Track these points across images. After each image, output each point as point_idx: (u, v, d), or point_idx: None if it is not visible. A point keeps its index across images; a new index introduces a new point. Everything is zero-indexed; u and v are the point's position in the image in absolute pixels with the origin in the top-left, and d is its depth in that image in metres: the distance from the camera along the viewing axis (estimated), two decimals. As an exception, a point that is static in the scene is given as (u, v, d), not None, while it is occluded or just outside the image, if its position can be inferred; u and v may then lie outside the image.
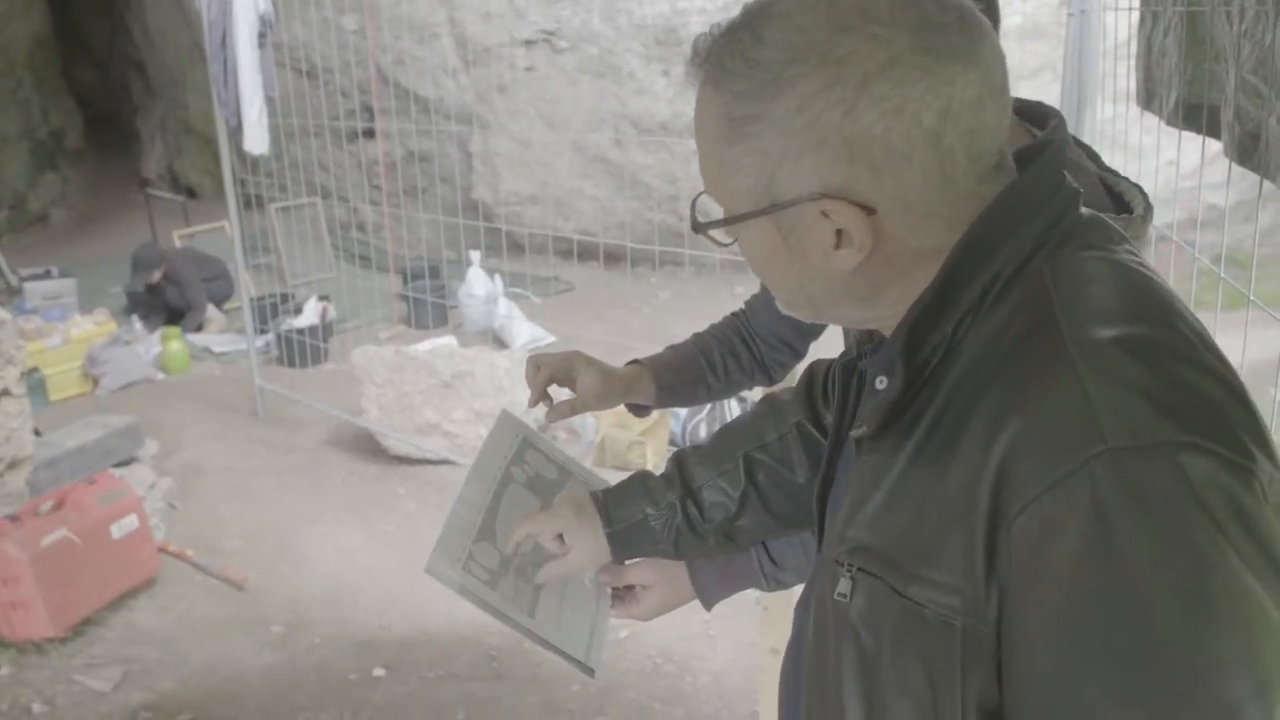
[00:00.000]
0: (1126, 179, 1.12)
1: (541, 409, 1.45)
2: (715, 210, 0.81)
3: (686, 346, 1.57)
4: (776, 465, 1.17)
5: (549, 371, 1.39)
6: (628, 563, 1.31)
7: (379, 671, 3.10)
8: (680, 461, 1.21)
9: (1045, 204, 0.76)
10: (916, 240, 0.75)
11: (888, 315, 0.80)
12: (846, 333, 1.45)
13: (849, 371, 0.94)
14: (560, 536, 1.18)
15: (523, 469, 1.29)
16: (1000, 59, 0.73)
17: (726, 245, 0.83)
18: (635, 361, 1.52)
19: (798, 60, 0.70)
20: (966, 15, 0.72)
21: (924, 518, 0.73)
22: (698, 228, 0.82)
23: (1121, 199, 1.10)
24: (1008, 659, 0.69)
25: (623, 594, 1.31)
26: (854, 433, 0.83)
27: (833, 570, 0.81)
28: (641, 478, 1.21)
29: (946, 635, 0.71)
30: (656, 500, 1.17)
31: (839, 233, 0.74)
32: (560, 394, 1.46)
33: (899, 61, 0.69)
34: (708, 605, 1.33)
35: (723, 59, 0.74)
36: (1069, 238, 0.76)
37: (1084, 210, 0.80)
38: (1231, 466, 0.63)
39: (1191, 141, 1.79)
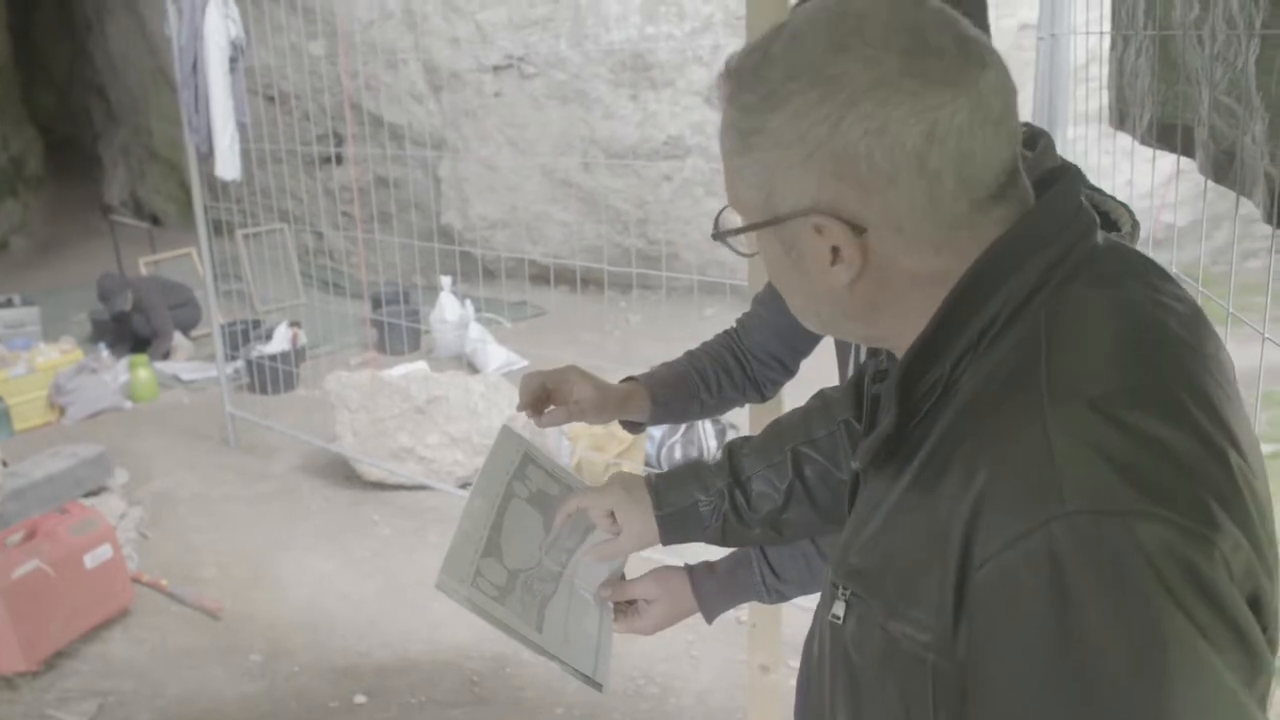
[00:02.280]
0: (1113, 197, 1.15)
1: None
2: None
3: (680, 364, 1.58)
4: (823, 461, 1.19)
5: (541, 379, 1.40)
6: (630, 578, 1.32)
7: (360, 699, 3.07)
8: (731, 451, 1.23)
9: (1055, 237, 0.75)
10: (908, 262, 0.76)
11: (889, 336, 0.81)
12: (840, 352, 1.48)
13: (860, 392, 0.96)
14: (611, 514, 1.21)
15: (525, 485, 1.30)
16: (1001, 90, 0.74)
17: (748, 255, 0.86)
18: (630, 378, 1.53)
19: (794, 77, 0.73)
20: (968, 45, 0.73)
21: (908, 551, 0.75)
22: (717, 236, 0.85)
23: (1108, 217, 1.13)
24: (969, 704, 0.70)
25: (625, 608, 1.32)
26: (853, 464, 0.86)
27: (830, 591, 0.84)
28: (694, 465, 1.23)
29: (919, 669, 0.73)
30: (707, 486, 1.20)
31: (835, 249, 0.75)
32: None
33: (884, 83, 0.70)
34: (710, 618, 1.34)
35: (739, 73, 0.77)
36: (1079, 270, 0.76)
37: (1102, 237, 0.80)
38: (1189, 535, 0.64)
39: (1146, 163, 1.84)
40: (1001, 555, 0.66)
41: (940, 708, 0.73)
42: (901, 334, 0.79)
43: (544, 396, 1.42)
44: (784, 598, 1.36)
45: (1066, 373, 0.70)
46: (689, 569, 1.35)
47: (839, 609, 0.82)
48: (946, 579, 0.70)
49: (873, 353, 0.95)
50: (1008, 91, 0.74)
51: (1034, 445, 0.67)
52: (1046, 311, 0.73)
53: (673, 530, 1.20)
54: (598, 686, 1.21)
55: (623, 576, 1.33)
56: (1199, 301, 0.81)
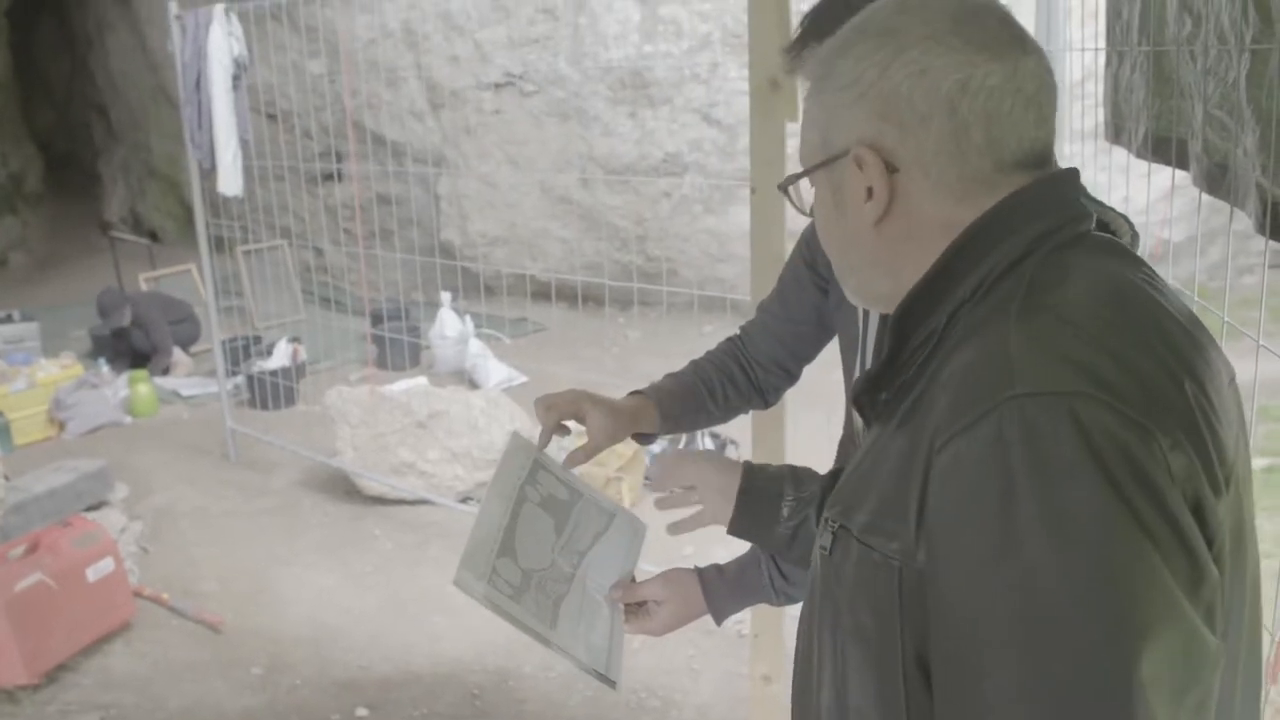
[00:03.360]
0: (1113, 209, 1.18)
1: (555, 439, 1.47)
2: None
3: (686, 375, 1.60)
4: None
5: (558, 415, 1.39)
6: (639, 580, 1.34)
7: (362, 712, 3.07)
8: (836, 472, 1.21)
9: (1051, 210, 0.81)
10: (930, 208, 0.82)
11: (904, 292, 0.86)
12: (846, 361, 1.50)
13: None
14: (692, 487, 1.20)
15: (536, 489, 1.32)
16: (1038, 76, 0.81)
17: (806, 213, 0.93)
18: (637, 392, 1.54)
19: (863, 30, 0.84)
20: (1014, 30, 0.82)
21: (888, 473, 0.80)
22: (782, 186, 0.95)
23: (1108, 228, 1.15)
24: (929, 598, 0.74)
25: (635, 610, 1.34)
26: (849, 402, 0.90)
27: (823, 526, 0.88)
28: (793, 468, 1.21)
29: (889, 577, 0.77)
30: (800, 484, 1.17)
31: (869, 188, 0.83)
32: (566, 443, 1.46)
33: (933, 37, 0.80)
34: (719, 619, 1.36)
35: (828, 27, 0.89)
36: (1072, 245, 0.81)
37: (1100, 232, 0.85)
38: (1127, 421, 0.67)
39: (1142, 180, 1.87)
40: (955, 442, 0.71)
41: (906, 615, 0.76)
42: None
43: (559, 427, 1.42)
44: (792, 600, 1.37)
45: (1041, 300, 0.75)
46: (698, 570, 1.37)
47: (825, 539, 0.86)
48: (914, 483, 0.75)
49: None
50: (1045, 82, 0.82)
51: (995, 346, 0.73)
52: (1035, 269, 0.79)
53: (747, 513, 1.17)
54: (612, 684, 1.24)
55: (633, 578, 1.34)
56: (1196, 313, 0.84)
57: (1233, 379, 0.84)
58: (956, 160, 0.80)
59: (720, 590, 1.35)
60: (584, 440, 1.38)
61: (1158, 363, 0.73)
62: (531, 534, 1.27)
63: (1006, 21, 0.82)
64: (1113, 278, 0.79)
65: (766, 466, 1.21)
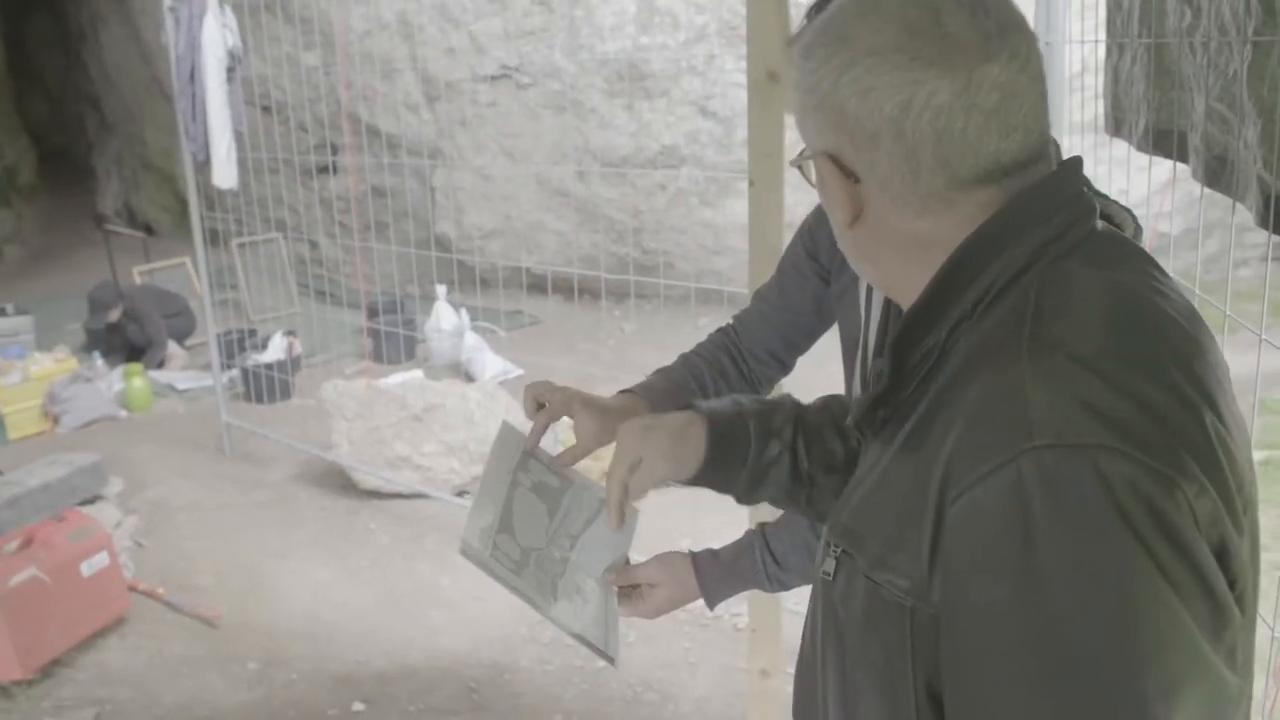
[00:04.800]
0: (1116, 202, 1.17)
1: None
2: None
3: (677, 372, 1.57)
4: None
5: (547, 417, 1.35)
6: (634, 563, 1.35)
7: (358, 706, 3.07)
8: (793, 401, 1.18)
9: (1053, 213, 0.78)
10: (894, 220, 0.80)
11: (893, 285, 0.86)
12: (847, 356, 1.48)
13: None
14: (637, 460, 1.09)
15: (527, 475, 1.33)
16: (1002, 86, 0.75)
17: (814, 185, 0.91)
18: (627, 391, 1.51)
19: (824, 33, 0.80)
20: (983, 35, 0.75)
21: (894, 505, 0.78)
22: (795, 163, 0.91)
23: (1111, 221, 1.15)
24: (943, 641, 0.73)
25: (629, 593, 1.34)
26: (847, 422, 0.90)
27: (824, 550, 0.87)
28: (747, 399, 1.16)
29: (899, 616, 0.76)
30: (761, 415, 1.11)
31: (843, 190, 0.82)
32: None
33: (877, 51, 0.76)
34: (711, 604, 1.37)
35: (810, 27, 0.85)
36: (1075, 249, 0.78)
37: (1101, 225, 0.82)
38: (1152, 473, 0.65)
39: (1140, 172, 1.86)
40: (971, 491, 0.69)
41: (918, 653, 0.75)
42: (902, 285, 0.84)
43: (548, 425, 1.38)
44: (785, 587, 1.38)
45: (1050, 333, 0.73)
46: (693, 555, 1.38)
47: (829, 565, 0.85)
48: (925, 524, 0.73)
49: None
50: (1014, 90, 0.76)
51: (1009, 390, 0.70)
52: (1039, 283, 0.76)
53: (716, 444, 1.08)
54: (610, 659, 1.25)
55: (627, 561, 1.35)
56: (1196, 306, 0.83)
57: (1228, 374, 0.82)
58: (910, 179, 0.78)
59: (714, 574, 1.36)
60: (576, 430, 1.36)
61: (1177, 398, 0.70)
62: (526, 516, 1.29)
63: (974, 23, 0.75)
64: (1120, 294, 0.76)
65: (718, 404, 1.14)
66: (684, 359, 1.60)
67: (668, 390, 1.52)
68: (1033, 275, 0.77)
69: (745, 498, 1.13)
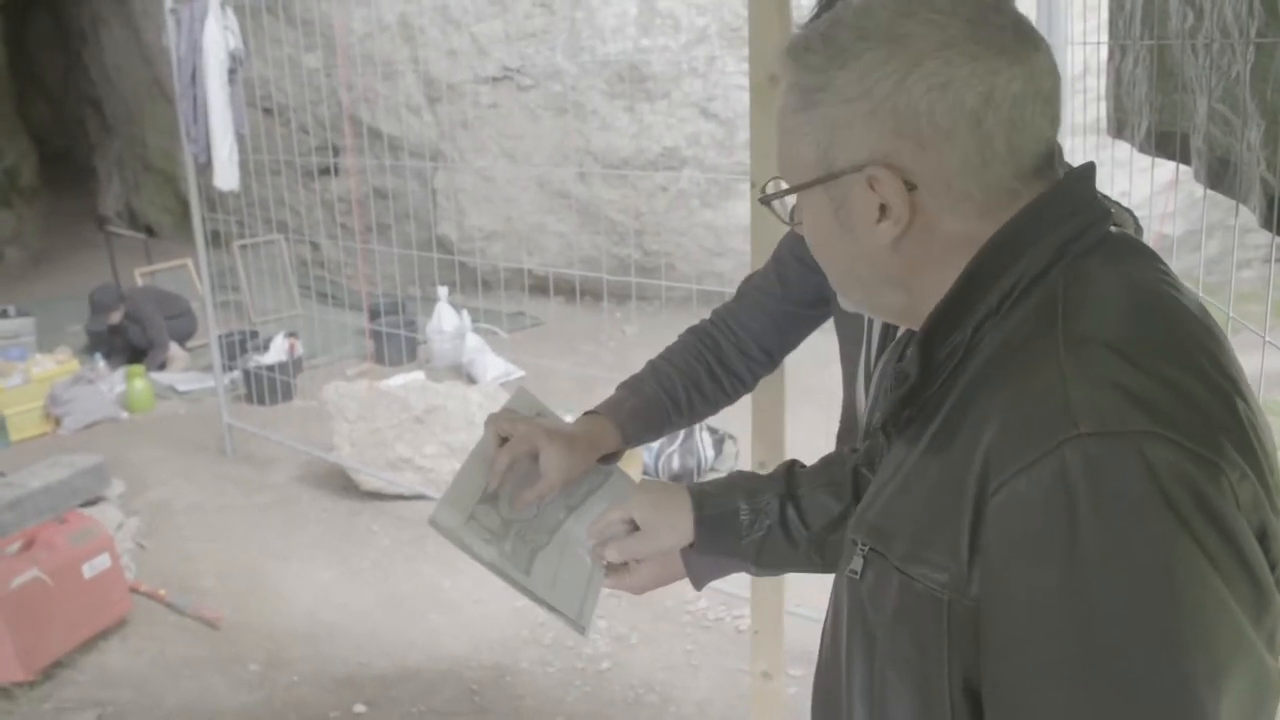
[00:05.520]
0: (1118, 203, 1.17)
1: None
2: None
3: (647, 387, 1.47)
4: None
5: (510, 457, 1.29)
6: None
7: (360, 708, 3.07)
8: (790, 467, 1.22)
9: (1071, 215, 0.79)
10: (951, 223, 0.79)
11: (922, 306, 0.83)
12: (847, 365, 1.47)
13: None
14: (631, 521, 1.20)
15: None
16: (1051, 74, 0.78)
17: (791, 225, 0.89)
18: (593, 412, 1.42)
19: (864, 37, 0.77)
20: (1022, 25, 0.78)
21: (926, 501, 0.78)
22: (764, 200, 0.91)
23: (1114, 222, 1.15)
24: (983, 633, 0.73)
25: (617, 567, 1.32)
26: (874, 423, 0.89)
27: (850, 549, 0.87)
28: (743, 475, 1.22)
29: (935, 609, 0.75)
30: (753, 495, 1.18)
31: (882, 206, 0.79)
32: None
33: (951, 44, 0.75)
34: (698, 585, 1.33)
35: (807, 37, 0.82)
36: (1095, 249, 0.79)
37: (1117, 229, 0.84)
38: (1197, 459, 0.66)
39: (1140, 174, 1.86)
40: (1014, 481, 0.69)
41: (954, 648, 0.75)
42: (933, 300, 0.82)
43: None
44: (770, 572, 1.36)
45: (1083, 325, 0.73)
46: None
47: (857, 564, 0.84)
48: (961, 519, 0.73)
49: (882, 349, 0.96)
50: (1056, 76, 0.79)
51: (1048, 380, 0.70)
52: (1064, 280, 0.77)
53: (708, 536, 1.17)
54: (581, 630, 1.25)
55: None
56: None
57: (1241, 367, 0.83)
58: (980, 173, 0.77)
59: (701, 556, 1.34)
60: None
61: (1209, 386, 0.71)
62: (521, 483, 1.28)
63: (1016, 18, 0.78)
64: (1142, 289, 0.77)
65: (717, 484, 1.21)
66: (653, 368, 1.51)
67: (638, 409, 1.44)
68: (1057, 272, 0.77)
69: (758, 572, 1.23)
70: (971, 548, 0.72)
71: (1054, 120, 0.79)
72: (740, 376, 1.54)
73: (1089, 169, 0.83)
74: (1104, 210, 0.82)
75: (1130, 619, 0.64)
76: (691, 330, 1.56)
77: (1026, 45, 0.77)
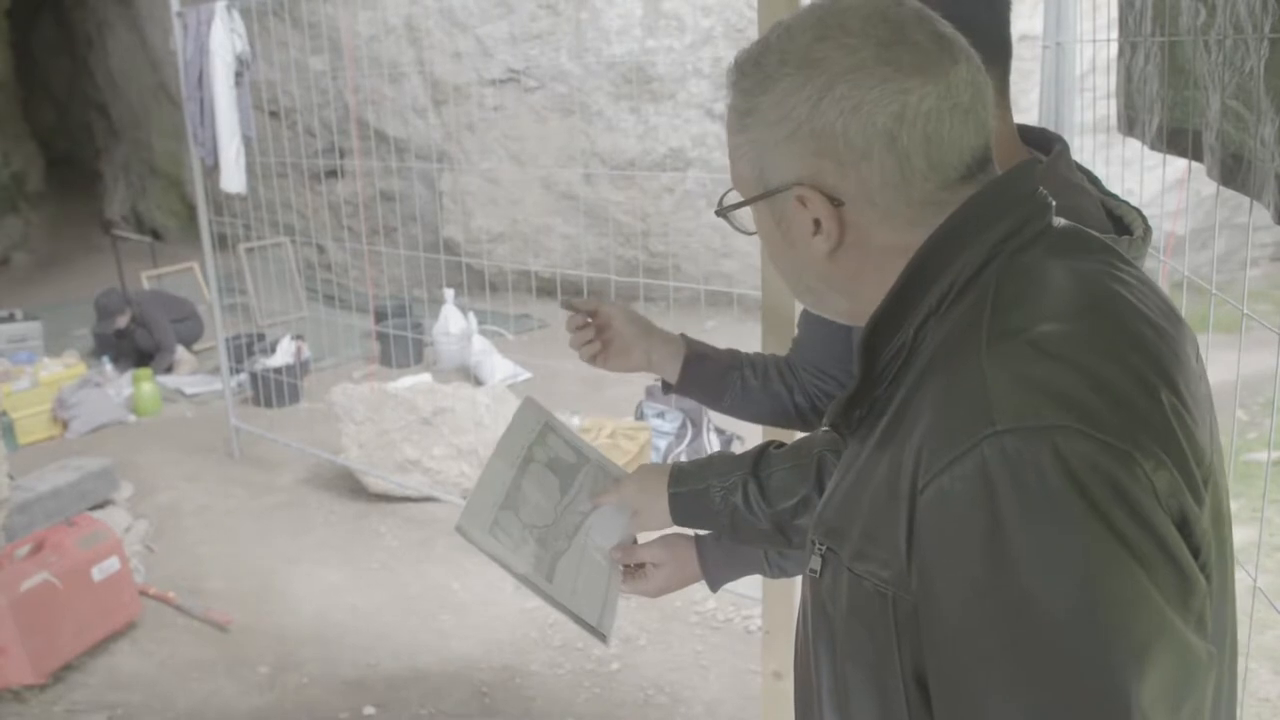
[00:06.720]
0: (1126, 202, 1.17)
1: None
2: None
3: (724, 357, 1.53)
4: None
5: (580, 317, 1.43)
6: (641, 541, 1.38)
7: (370, 710, 3.07)
8: (761, 449, 1.27)
9: (1007, 213, 0.80)
10: (882, 236, 0.81)
11: (867, 311, 0.85)
12: None
13: None
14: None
15: (544, 450, 1.36)
16: (972, 84, 0.79)
17: (748, 233, 0.92)
18: (682, 335, 1.51)
19: (784, 63, 0.80)
20: (942, 41, 0.80)
21: (872, 499, 0.80)
22: (719, 212, 0.93)
23: (1121, 221, 1.15)
24: (923, 627, 0.74)
25: (634, 571, 1.37)
26: (822, 425, 0.93)
27: (810, 548, 0.89)
28: (721, 454, 1.29)
29: (882, 605, 0.77)
30: (723, 474, 1.25)
31: (815, 221, 0.82)
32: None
33: (860, 67, 0.77)
34: (714, 587, 1.38)
35: (742, 63, 0.85)
36: (1033, 244, 0.81)
37: (1061, 222, 0.84)
38: (1111, 451, 0.67)
39: (1152, 171, 1.85)
40: (939, 479, 0.71)
41: (903, 641, 0.77)
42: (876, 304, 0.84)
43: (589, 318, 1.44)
44: (786, 574, 1.38)
45: (1009, 321, 0.75)
46: (697, 538, 1.39)
47: (815, 563, 0.86)
48: (900, 514, 0.75)
49: None
50: (979, 86, 0.80)
51: (969, 376, 0.73)
52: (998, 276, 0.79)
53: (682, 511, 1.27)
54: (602, 638, 1.27)
55: (634, 540, 1.38)
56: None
57: (1198, 354, 0.85)
58: (902, 188, 0.79)
59: (716, 558, 1.37)
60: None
61: (1132, 376, 0.72)
62: (536, 492, 1.31)
63: (935, 33, 0.79)
64: (1076, 281, 0.78)
65: (694, 463, 1.29)
66: (734, 354, 1.55)
67: (707, 361, 1.50)
68: (993, 268, 0.79)
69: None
70: (909, 544, 0.74)
71: (979, 129, 0.80)
72: (807, 403, 1.50)
73: (1029, 165, 0.84)
74: (1043, 205, 0.83)
75: (1053, 608, 0.66)
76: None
77: (943, 59, 0.78)
